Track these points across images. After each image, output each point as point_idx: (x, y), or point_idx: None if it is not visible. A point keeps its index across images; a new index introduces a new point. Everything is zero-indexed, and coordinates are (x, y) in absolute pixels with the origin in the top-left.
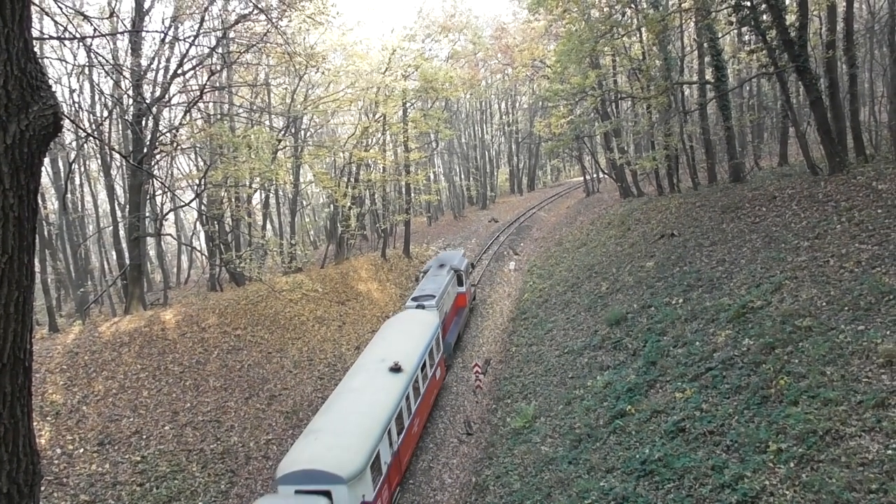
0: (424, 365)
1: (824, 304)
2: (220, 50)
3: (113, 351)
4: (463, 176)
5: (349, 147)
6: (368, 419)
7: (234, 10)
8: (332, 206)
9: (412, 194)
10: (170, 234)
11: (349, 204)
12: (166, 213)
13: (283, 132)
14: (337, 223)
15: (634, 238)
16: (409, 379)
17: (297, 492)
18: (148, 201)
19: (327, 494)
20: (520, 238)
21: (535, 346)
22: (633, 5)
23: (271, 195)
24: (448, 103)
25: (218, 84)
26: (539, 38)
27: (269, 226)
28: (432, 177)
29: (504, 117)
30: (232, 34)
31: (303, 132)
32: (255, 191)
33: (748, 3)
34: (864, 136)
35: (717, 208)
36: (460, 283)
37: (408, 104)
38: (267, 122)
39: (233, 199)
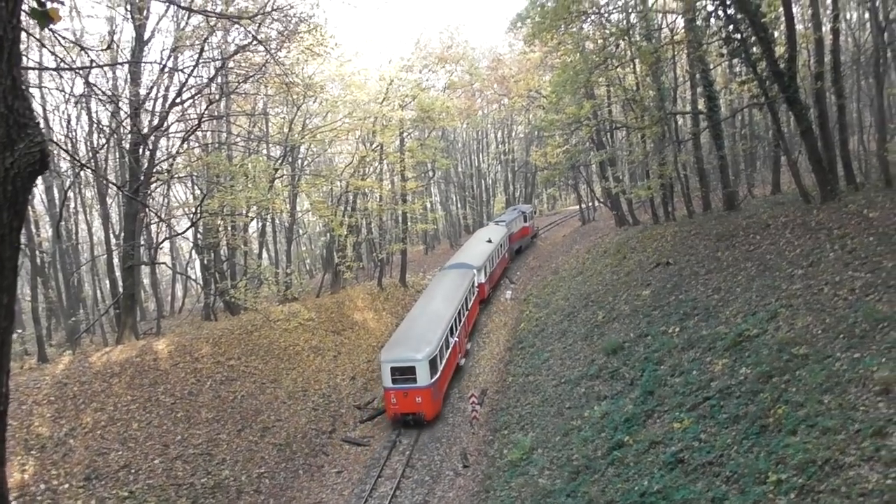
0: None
1: (820, 331)
2: (218, 80)
3: (103, 382)
4: (459, 205)
5: (346, 176)
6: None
7: (233, 41)
8: (328, 234)
9: (409, 223)
10: (164, 263)
11: (346, 233)
12: (161, 242)
13: (280, 161)
14: (333, 252)
15: (630, 266)
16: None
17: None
18: (143, 230)
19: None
20: (516, 267)
21: (532, 376)
22: (626, 38)
23: (268, 224)
24: (445, 133)
25: (216, 113)
26: (534, 69)
27: (265, 254)
28: (429, 206)
29: (500, 146)
30: (231, 64)
31: (300, 161)
32: (252, 219)
33: (738, 36)
34: (854, 164)
35: (712, 236)
36: (525, 220)
37: (405, 134)
38: (264, 151)
39: (229, 228)
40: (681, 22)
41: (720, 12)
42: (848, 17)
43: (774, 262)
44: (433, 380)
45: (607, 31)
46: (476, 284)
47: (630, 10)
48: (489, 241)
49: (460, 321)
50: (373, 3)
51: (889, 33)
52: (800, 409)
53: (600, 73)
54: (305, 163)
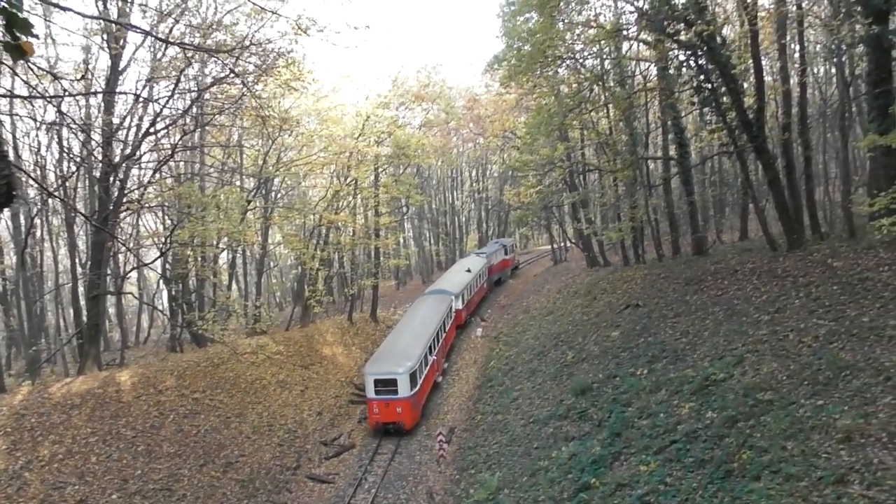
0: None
1: (785, 377)
2: (193, 111)
3: (62, 413)
4: (433, 241)
5: (320, 210)
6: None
7: (210, 73)
8: (299, 267)
9: (381, 258)
10: (131, 293)
11: (317, 266)
12: (129, 272)
13: (253, 193)
14: (304, 285)
15: (600, 307)
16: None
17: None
18: (111, 259)
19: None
20: (487, 304)
21: (501, 415)
22: (600, 83)
23: (238, 256)
24: (420, 169)
25: (190, 144)
26: (510, 111)
27: (234, 286)
28: (402, 241)
29: (474, 185)
30: (207, 96)
31: (273, 193)
32: (223, 251)
33: (709, 86)
34: (820, 214)
35: (681, 280)
36: (506, 253)
37: (380, 169)
38: (238, 183)
39: (199, 259)
40: (654, 70)
41: (692, 62)
42: (815, 70)
43: (741, 308)
44: (413, 392)
45: (582, 76)
46: (454, 310)
47: (604, 57)
48: (468, 271)
49: (438, 342)
50: (351, 41)
51: (854, 88)
52: (764, 455)
53: (574, 117)
54: (279, 195)
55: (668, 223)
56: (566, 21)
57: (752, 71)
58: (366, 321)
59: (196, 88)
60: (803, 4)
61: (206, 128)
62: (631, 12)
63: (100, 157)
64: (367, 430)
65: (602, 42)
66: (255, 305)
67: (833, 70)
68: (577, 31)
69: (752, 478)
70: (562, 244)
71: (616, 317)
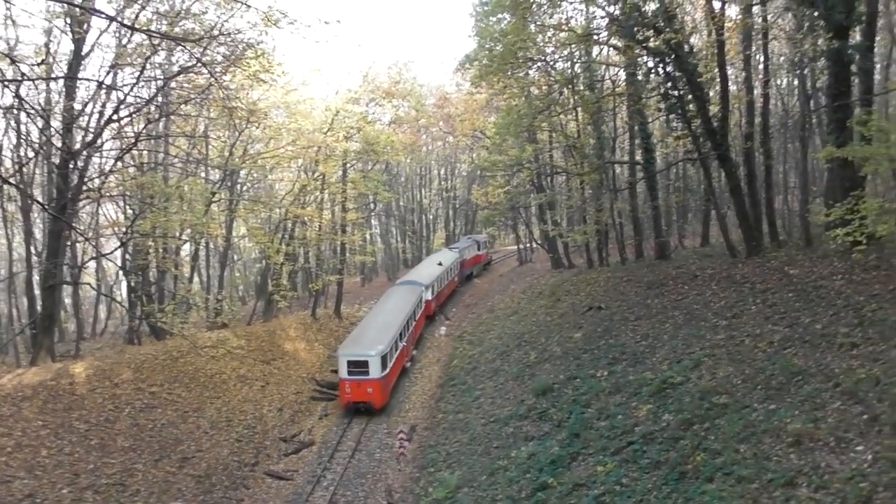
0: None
1: (739, 382)
2: (158, 99)
3: (12, 405)
4: (399, 238)
5: (286, 203)
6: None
7: (177, 62)
8: (264, 261)
9: (347, 254)
10: (88, 284)
11: (282, 261)
12: (86, 262)
13: (218, 185)
14: (268, 279)
15: (564, 309)
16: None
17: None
18: (68, 248)
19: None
20: (452, 303)
21: (462, 414)
22: (570, 86)
23: (201, 248)
24: (388, 166)
25: (154, 133)
26: (480, 110)
27: (196, 279)
28: (368, 238)
29: (443, 183)
30: (173, 85)
31: (239, 186)
32: (185, 243)
33: (675, 93)
34: (779, 223)
35: (643, 284)
36: (479, 249)
37: (348, 165)
38: (202, 174)
39: (160, 250)
40: (622, 75)
41: (660, 69)
42: (778, 82)
43: (700, 313)
44: (383, 373)
45: (552, 79)
46: (423, 300)
47: (575, 61)
48: (440, 264)
49: (408, 329)
50: (322, 36)
51: (815, 101)
52: (717, 458)
53: (543, 119)
54: (244, 188)
55: (633, 227)
56: (538, 23)
57: (717, 80)
58: (329, 317)
59: (162, 77)
60: (768, 17)
61: (171, 117)
62: (602, 17)
63: (59, 144)
64: (327, 427)
65: (573, 46)
66: (217, 299)
67: (795, 82)
68: (549, 34)
69: (706, 479)
70: (528, 245)
71: (579, 318)
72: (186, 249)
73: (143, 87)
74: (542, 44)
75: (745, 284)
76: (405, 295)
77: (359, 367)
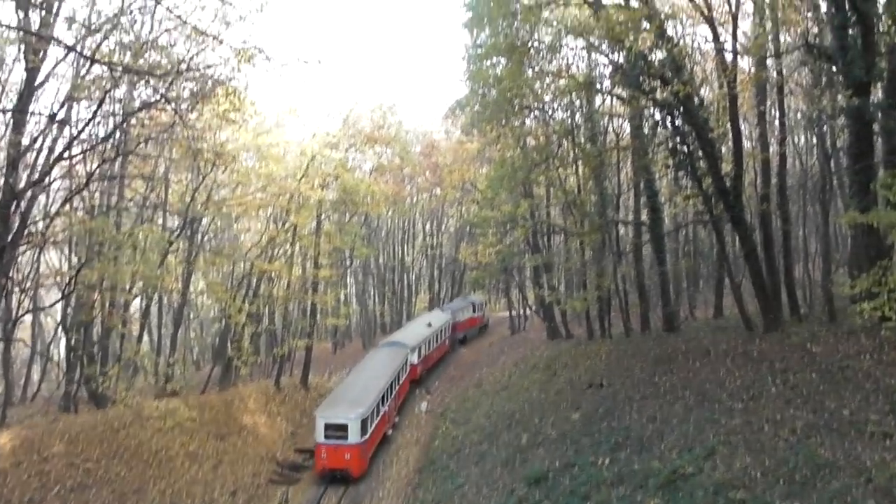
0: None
1: (759, 474)
2: (116, 136)
3: None
4: (377, 300)
5: (251, 257)
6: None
7: (138, 96)
8: (223, 321)
9: (318, 316)
10: (22, 340)
11: (244, 321)
12: (21, 316)
13: (176, 233)
14: (227, 342)
15: (561, 385)
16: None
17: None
18: (2, 299)
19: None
20: (434, 375)
21: None
22: (570, 138)
23: (154, 304)
24: (368, 219)
25: (108, 173)
26: (471, 161)
27: (146, 338)
28: (343, 298)
29: (428, 239)
30: (133, 121)
31: (200, 235)
32: (136, 297)
33: (684, 149)
34: (799, 293)
35: (650, 359)
36: (475, 311)
37: (323, 216)
38: (160, 221)
39: (106, 305)
40: (627, 127)
41: (668, 122)
42: (796, 139)
43: (714, 393)
44: (363, 439)
45: (550, 129)
46: (409, 363)
47: (575, 110)
48: (429, 325)
49: (391, 393)
50: (300, 75)
51: (835, 160)
52: None
53: (540, 172)
54: (206, 238)
55: (638, 294)
56: (536, 69)
57: (730, 136)
58: (295, 387)
59: (121, 112)
60: (784, 71)
61: (129, 157)
62: (605, 65)
63: (0, 182)
64: None
65: (573, 94)
66: (169, 362)
67: (814, 140)
68: (548, 81)
69: None
70: (521, 311)
71: (577, 396)
72: (137, 305)
73: (99, 122)
74: (540, 91)
75: (764, 362)
76: (389, 357)
77: (337, 430)
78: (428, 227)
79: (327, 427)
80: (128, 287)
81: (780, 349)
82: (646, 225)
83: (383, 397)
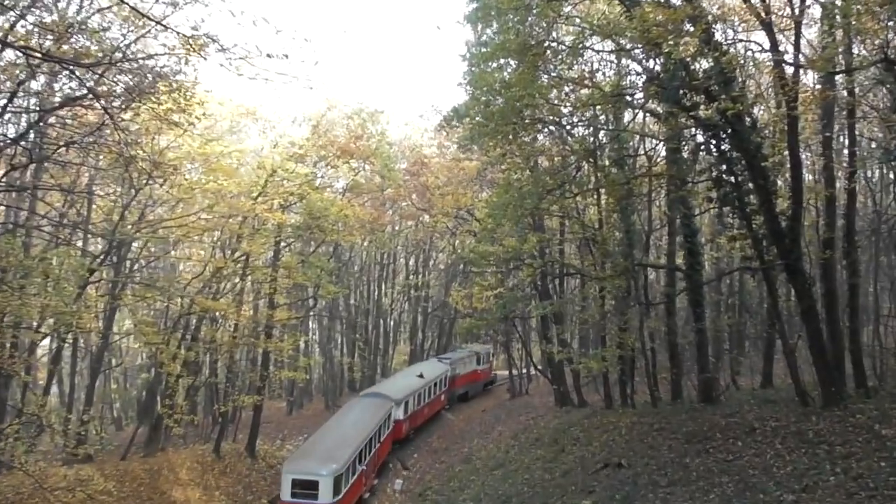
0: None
1: None
2: (30, 137)
3: None
4: (346, 350)
5: (191, 292)
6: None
7: (60, 90)
8: (153, 371)
9: (271, 368)
10: None
11: (179, 371)
12: None
13: (100, 260)
14: (157, 396)
15: (570, 464)
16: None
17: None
18: None
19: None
20: (412, 446)
21: None
22: (591, 160)
23: (67, 346)
24: (338, 250)
25: (17, 183)
26: (468, 183)
27: (55, 389)
28: (303, 346)
29: (412, 278)
30: (52, 120)
31: (128, 263)
32: (44, 338)
33: (731, 179)
34: (867, 362)
35: (681, 435)
36: (479, 363)
37: (283, 244)
38: (79, 244)
39: (7, 347)
40: (662, 150)
41: (712, 146)
42: (868, 174)
43: (759, 481)
44: (335, 500)
45: (568, 149)
46: (392, 419)
47: (599, 127)
48: (420, 377)
49: (369, 451)
50: (262, 70)
51: None
52: None
53: (554, 201)
54: (136, 266)
55: (669, 356)
56: (553, 75)
57: (787, 166)
58: (239, 455)
59: (38, 109)
60: (856, 90)
61: (45, 164)
62: (637, 74)
63: None
64: None
65: (597, 107)
66: (82, 420)
67: (891, 175)
68: (567, 90)
69: None
70: (523, 371)
71: (589, 479)
72: (45, 347)
73: (9, 120)
74: (556, 101)
75: (822, 445)
76: (369, 410)
77: (306, 488)
78: (412, 262)
79: (294, 484)
80: (35, 324)
81: (842, 429)
82: (681, 271)
83: (360, 454)
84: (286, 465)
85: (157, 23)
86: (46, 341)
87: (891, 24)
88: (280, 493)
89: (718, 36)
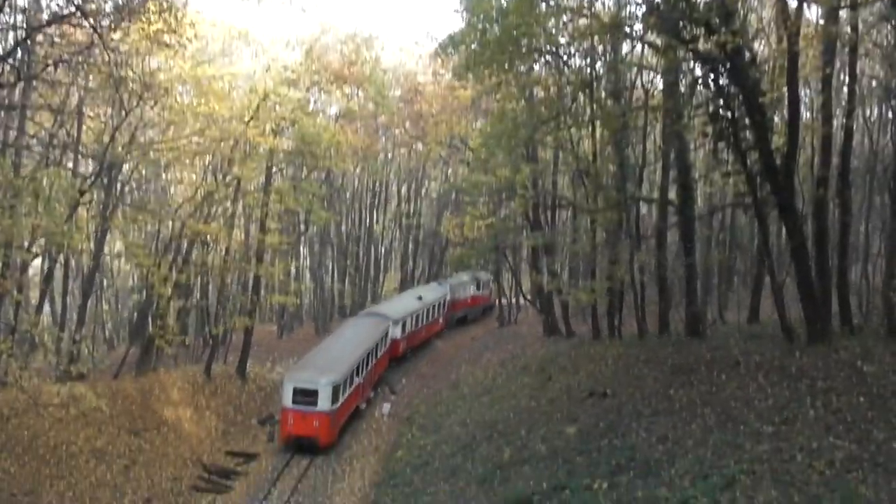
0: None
1: None
2: (17, 55)
3: None
4: (336, 276)
5: (183, 215)
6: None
7: (47, 6)
8: (144, 293)
9: (262, 292)
10: None
11: (170, 294)
12: None
13: (90, 181)
14: (148, 318)
15: (555, 392)
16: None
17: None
18: None
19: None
20: (401, 371)
21: None
22: (588, 91)
23: (58, 266)
24: (330, 176)
25: (7, 102)
26: (463, 112)
27: (47, 308)
28: (294, 272)
29: (404, 206)
30: (40, 38)
31: (120, 185)
32: (35, 257)
33: (728, 115)
34: (853, 300)
35: (666, 367)
36: (479, 288)
37: (274, 169)
38: (70, 165)
39: None
40: (659, 83)
41: (710, 80)
42: (867, 113)
43: (740, 413)
44: (334, 407)
45: (565, 80)
46: (390, 337)
47: (597, 58)
48: (419, 299)
49: (367, 366)
50: None
51: None
52: None
53: (548, 132)
54: (127, 188)
55: (658, 289)
56: (551, 3)
57: (785, 102)
58: (230, 377)
59: (25, 26)
60: (859, 26)
61: (34, 83)
62: (637, 4)
63: None
64: None
65: (595, 37)
66: (75, 339)
67: (890, 115)
68: (565, 19)
69: None
70: (513, 300)
71: (575, 407)
72: (36, 267)
73: None
74: (554, 31)
75: (803, 380)
76: (367, 327)
77: (306, 396)
78: (404, 190)
79: (295, 392)
80: (26, 244)
81: (825, 365)
82: (673, 205)
83: (358, 367)
84: (288, 375)
85: None
86: (38, 261)
87: None
88: (282, 401)
89: None
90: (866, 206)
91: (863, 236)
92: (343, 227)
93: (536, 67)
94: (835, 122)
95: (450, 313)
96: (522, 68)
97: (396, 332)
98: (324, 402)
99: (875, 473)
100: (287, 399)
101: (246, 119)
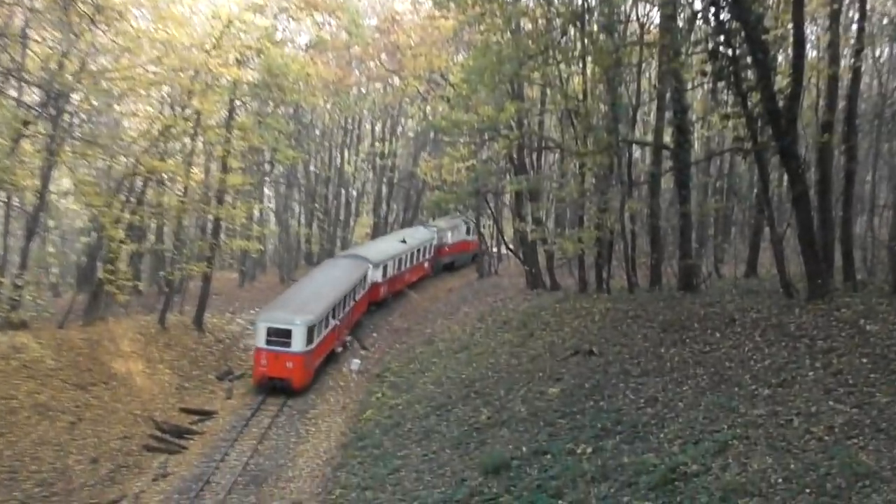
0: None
1: (780, 479)
2: None
3: None
4: (304, 220)
5: (137, 151)
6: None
7: None
8: (93, 234)
9: (222, 237)
10: None
11: (122, 236)
12: None
13: (36, 112)
14: (97, 262)
15: (538, 349)
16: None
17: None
18: None
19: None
20: (372, 325)
21: (372, 492)
22: (578, 24)
23: None
24: (298, 112)
25: None
26: (443, 44)
27: None
28: (257, 214)
29: (378, 145)
30: None
31: (68, 117)
32: None
33: (729, 52)
34: (857, 254)
35: (657, 324)
36: (469, 234)
37: (237, 102)
38: (13, 93)
39: None
40: (656, 17)
41: (710, 15)
42: (876, 53)
43: (734, 374)
44: (308, 348)
45: (553, 11)
46: (369, 281)
47: None
48: (402, 242)
49: (344, 308)
50: None
51: None
52: None
53: (535, 67)
54: (76, 121)
55: (650, 240)
56: None
57: (790, 41)
58: (186, 328)
59: None
60: None
61: None
62: None
63: None
64: (164, 496)
65: None
66: (16, 284)
67: None
68: None
69: None
70: (494, 250)
71: (558, 366)
72: None
73: None
74: None
75: (802, 339)
76: (345, 269)
77: (280, 336)
78: (379, 128)
79: (269, 332)
80: None
81: (826, 324)
82: (668, 149)
83: (335, 310)
84: (260, 315)
85: None
86: None
87: None
88: (256, 341)
89: None
90: (873, 154)
91: (869, 186)
92: (311, 168)
93: None
94: (842, 63)
95: (436, 258)
96: None
97: (377, 276)
98: (298, 343)
99: (877, 439)
100: (260, 339)
101: (208, 47)
